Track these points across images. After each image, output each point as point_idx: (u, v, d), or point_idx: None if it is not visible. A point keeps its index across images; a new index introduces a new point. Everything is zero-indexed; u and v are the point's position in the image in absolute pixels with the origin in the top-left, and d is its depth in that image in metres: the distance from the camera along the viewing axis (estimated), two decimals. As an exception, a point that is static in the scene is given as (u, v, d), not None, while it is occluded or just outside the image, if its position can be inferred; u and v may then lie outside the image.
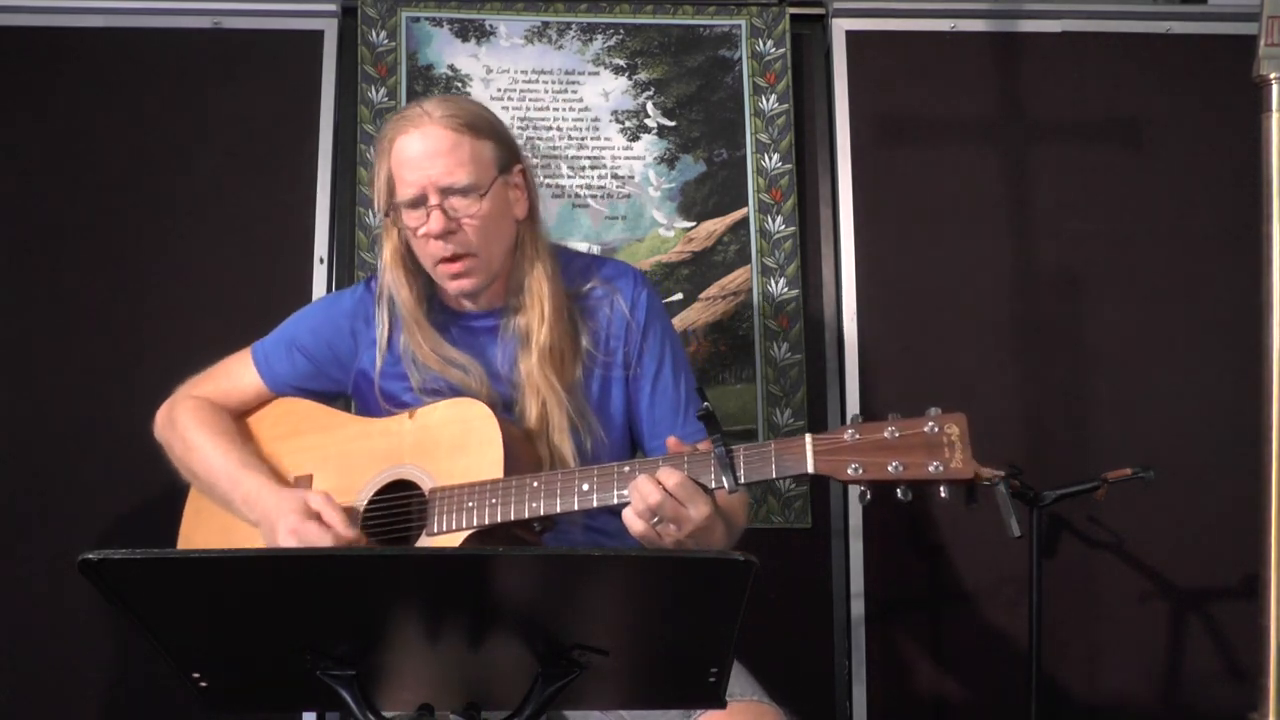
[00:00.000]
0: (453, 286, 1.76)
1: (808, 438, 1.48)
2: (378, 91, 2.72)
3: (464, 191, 1.71)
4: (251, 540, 1.74)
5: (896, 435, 1.44)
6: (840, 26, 2.80)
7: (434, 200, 1.70)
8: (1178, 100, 2.80)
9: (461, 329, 1.83)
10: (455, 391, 1.77)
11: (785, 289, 2.72)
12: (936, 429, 1.43)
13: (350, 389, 1.89)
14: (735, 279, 2.72)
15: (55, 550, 2.47)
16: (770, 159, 2.76)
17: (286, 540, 1.64)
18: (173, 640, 1.16)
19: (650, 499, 1.48)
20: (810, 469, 1.47)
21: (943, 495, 1.44)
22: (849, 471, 1.45)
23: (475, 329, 1.83)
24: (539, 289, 1.77)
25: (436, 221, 1.69)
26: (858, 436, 1.46)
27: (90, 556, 1.04)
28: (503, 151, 1.77)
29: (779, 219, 2.74)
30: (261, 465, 1.80)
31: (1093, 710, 2.65)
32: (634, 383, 1.84)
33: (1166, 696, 2.66)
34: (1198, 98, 2.79)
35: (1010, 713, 2.47)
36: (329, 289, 2.65)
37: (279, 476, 1.80)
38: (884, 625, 2.64)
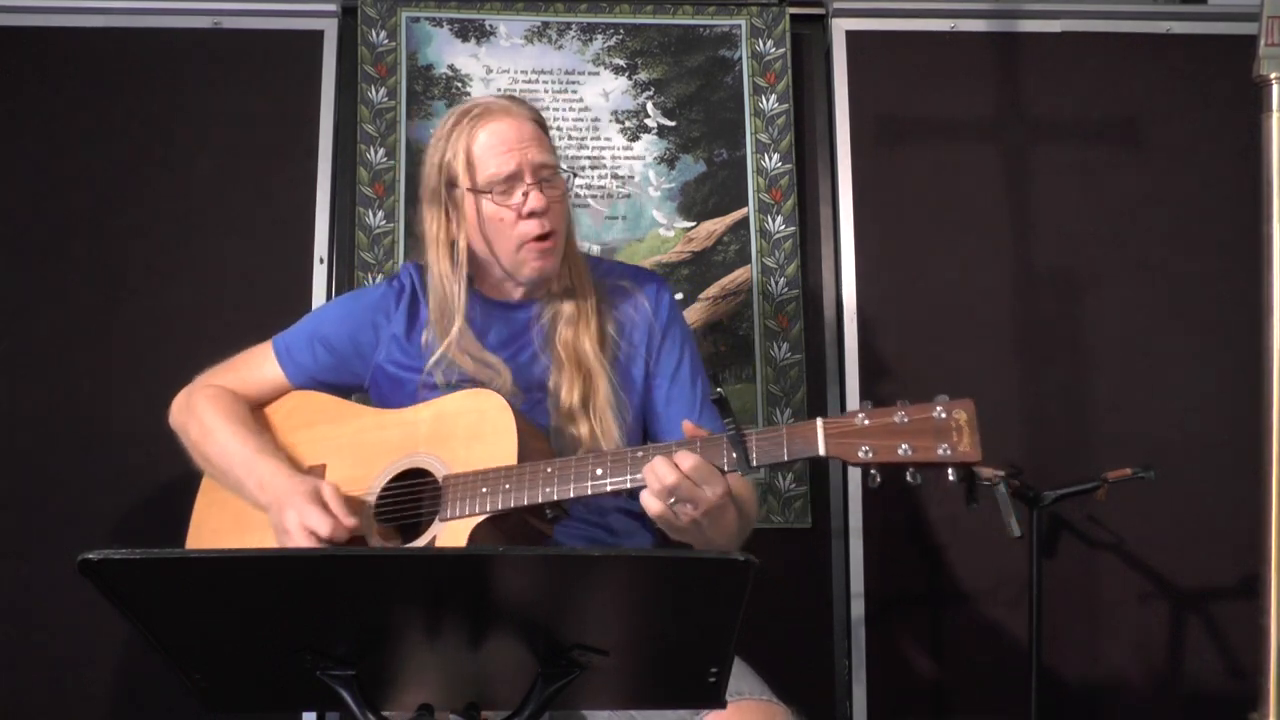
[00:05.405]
0: (538, 266, 1.79)
1: (819, 421, 1.50)
2: (378, 91, 2.72)
3: (552, 175, 1.77)
4: (263, 527, 1.74)
5: (906, 420, 1.46)
6: (840, 26, 2.80)
7: (530, 179, 1.74)
8: (1178, 100, 2.80)
9: (503, 320, 1.84)
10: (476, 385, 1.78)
11: (785, 289, 2.71)
12: (945, 414, 1.45)
13: (368, 383, 1.90)
14: (735, 279, 2.72)
15: (56, 550, 2.47)
16: (770, 159, 2.76)
17: (289, 518, 1.64)
18: (173, 640, 1.16)
19: (667, 480, 1.49)
20: (821, 451, 1.48)
21: (950, 479, 1.45)
22: (859, 454, 1.46)
23: (518, 319, 1.85)
24: (584, 276, 1.83)
25: (538, 199, 1.74)
26: (868, 421, 1.47)
27: (90, 556, 1.04)
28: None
29: (779, 219, 2.74)
30: (278, 452, 1.80)
31: (1092, 710, 2.65)
32: (651, 380, 1.86)
33: (1166, 696, 2.66)
34: (1198, 98, 2.79)
35: (1010, 713, 2.47)
36: (329, 289, 2.65)
37: (295, 465, 1.80)
38: (884, 625, 2.64)
